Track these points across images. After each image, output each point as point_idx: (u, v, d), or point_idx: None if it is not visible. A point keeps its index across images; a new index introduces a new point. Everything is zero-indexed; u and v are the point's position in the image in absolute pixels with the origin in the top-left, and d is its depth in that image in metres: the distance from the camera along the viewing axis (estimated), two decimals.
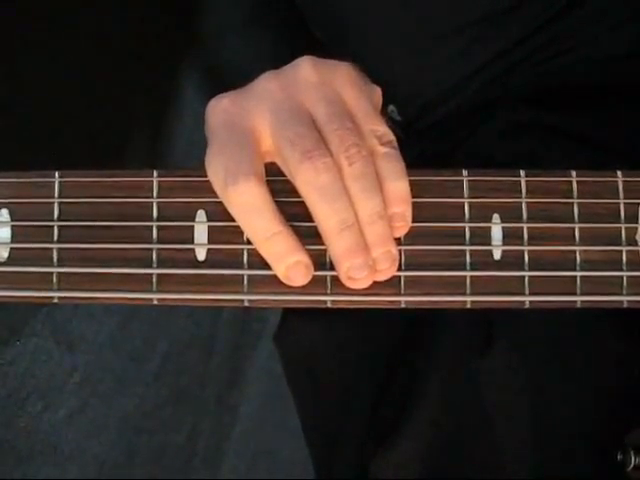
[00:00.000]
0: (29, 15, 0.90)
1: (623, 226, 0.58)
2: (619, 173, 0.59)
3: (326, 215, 0.55)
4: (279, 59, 0.58)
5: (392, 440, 0.67)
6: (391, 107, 0.85)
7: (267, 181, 0.55)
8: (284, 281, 0.55)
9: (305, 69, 0.58)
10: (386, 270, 0.56)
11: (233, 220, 0.55)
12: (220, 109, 0.57)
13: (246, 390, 1.21)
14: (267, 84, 0.58)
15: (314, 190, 0.54)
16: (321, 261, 0.56)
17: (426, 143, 0.82)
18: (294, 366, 0.74)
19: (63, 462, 0.92)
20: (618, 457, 0.64)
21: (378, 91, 0.61)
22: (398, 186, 0.56)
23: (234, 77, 1.08)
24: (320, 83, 0.57)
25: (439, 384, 0.68)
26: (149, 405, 1.06)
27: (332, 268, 0.56)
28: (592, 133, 0.72)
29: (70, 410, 0.92)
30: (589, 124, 0.72)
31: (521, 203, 0.57)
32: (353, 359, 0.72)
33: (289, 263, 0.55)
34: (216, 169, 0.55)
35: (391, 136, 0.57)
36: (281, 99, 0.57)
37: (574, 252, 0.58)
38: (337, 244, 0.55)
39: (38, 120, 0.87)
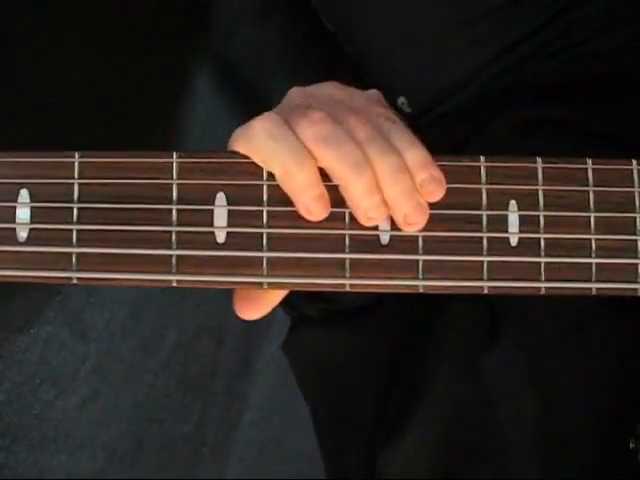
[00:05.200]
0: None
1: (638, 215, 0.58)
2: (634, 162, 0.59)
3: (337, 160, 0.54)
4: (287, 48, 0.58)
5: (399, 436, 0.67)
6: (401, 99, 0.86)
7: None
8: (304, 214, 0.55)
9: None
10: (417, 224, 0.56)
11: (252, 204, 0.55)
12: None
13: (255, 380, 1.21)
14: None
15: (317, 141, 0.54)
16: (339, 245, 0.56)
17: (436, 134, 0.82)
18: (303, 369, 0.75)
19: (74, 450, 0.93)
20: (631, 445, 0.64)
21: (373, 90, 0.60)
22: (415, 153, 0.55)
23: (245, 68, 1.08)
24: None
25: (443, 381, 0.68)
26: (158, 394, 1.06)
27: (350, 251, 0.56)
28: (601, 127, 0.72)
29: (82, 398, 0.93)
30: (598, 117, 0.72)
31: (538, 190, 0.58)
32: (358, 360, 0.73)
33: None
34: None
35: (392, 114, 0.57)
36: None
37: (589, 240, 0.58)
38: (355, 184, 0.54)
39: (49, 118, 0.87)
